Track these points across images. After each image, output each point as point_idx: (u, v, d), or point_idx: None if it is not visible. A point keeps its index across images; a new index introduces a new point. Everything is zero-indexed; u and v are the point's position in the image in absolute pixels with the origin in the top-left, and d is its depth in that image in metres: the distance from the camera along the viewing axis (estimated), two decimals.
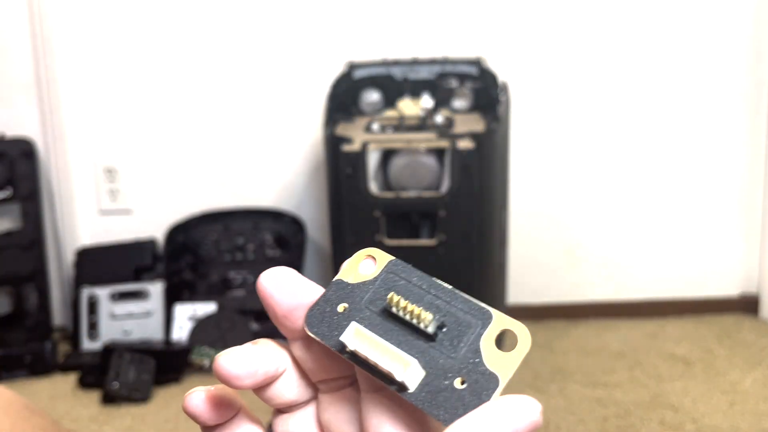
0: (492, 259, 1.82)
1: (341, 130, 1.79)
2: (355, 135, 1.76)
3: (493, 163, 1.75)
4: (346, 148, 1.74)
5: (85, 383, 1.89)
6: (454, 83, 1.88)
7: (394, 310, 0.30)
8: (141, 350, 1.87)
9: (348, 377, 0.32)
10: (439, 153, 1.76)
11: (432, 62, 1.90)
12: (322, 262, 2.20)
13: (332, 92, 1.90)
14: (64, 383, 1.93)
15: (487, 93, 1.86)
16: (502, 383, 0.28)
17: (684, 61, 2.06)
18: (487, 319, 0.29)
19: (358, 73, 1.91)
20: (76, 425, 1.72)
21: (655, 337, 2.03)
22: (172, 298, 2.09)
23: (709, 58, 2.06)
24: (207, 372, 1.93)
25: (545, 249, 2.17)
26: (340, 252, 1.82)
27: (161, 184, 2.19)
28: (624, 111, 2.09)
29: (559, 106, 2.09)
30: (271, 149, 2.16)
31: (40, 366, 1.98)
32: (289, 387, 0.32)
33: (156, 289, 2.08)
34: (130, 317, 2.06)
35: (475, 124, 1.77)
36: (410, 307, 0.30)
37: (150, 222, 2.19)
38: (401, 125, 1.80)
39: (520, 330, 0.29)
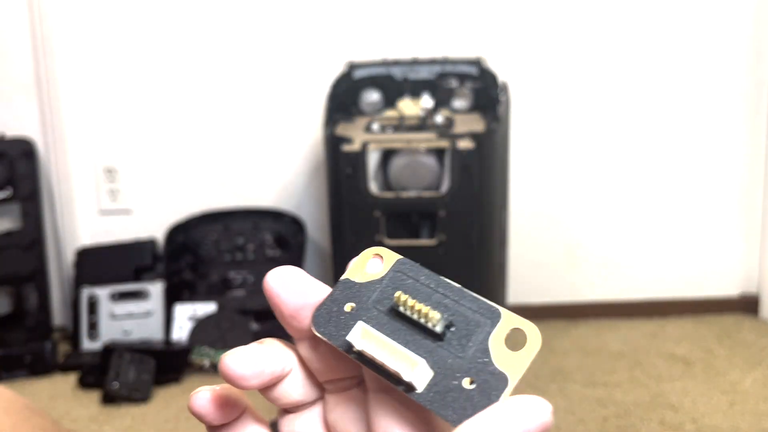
0: (492, 259, 1.82)
1: (341, 130, 1.78)
2: (355, 135, 1.76)
3: (493, 163, 1.75)
4: (346, 148, 1.74)
5: (85, 383, 1.89)
6: (454, 83, 1.88)
7: (401, 309, 0.30)
8: (141, 350, 1.87)
9: (355, 377, 0.32)
10: (439, 153, 1.75)
11: (432, 62, 1.90)
12: (322, 262, 2.20)
13: (332, 92, 1.90)
14: (64, 383, 1.93)
15: (487, 93, 1.86)
16: (512, 383, 0.27)
17: (684, 61, 2.06)
18: (496, 317, 0.29)
19: (358, 73, 1.91)
20: (76, 425, 1.72)
21: (655, 337, 2.03)
22: (172, 298, 2.08)
23: (709, 58, 2.06)
24: (207, 372, 1.93)
25: (545, 249, 2.17)
26: (340, 252, 1.81)
27: (161, 184, 2.18)
28: (624, 111, 2.09)
29: (559, 106, 2.09)
30: (271, 149, 2.15)
31: (40, 366, 1.98)
32: (296, 387, 0.32)
33: (156, 289, 2.07)
34: (130, 317, 2.06)
35: (475, 124, 1.77)
36: (418, 306, 0.29)
37: (150, 222, 2.19)
38: (401, 125, 1.80)
39: (530, 329, 0.28)
